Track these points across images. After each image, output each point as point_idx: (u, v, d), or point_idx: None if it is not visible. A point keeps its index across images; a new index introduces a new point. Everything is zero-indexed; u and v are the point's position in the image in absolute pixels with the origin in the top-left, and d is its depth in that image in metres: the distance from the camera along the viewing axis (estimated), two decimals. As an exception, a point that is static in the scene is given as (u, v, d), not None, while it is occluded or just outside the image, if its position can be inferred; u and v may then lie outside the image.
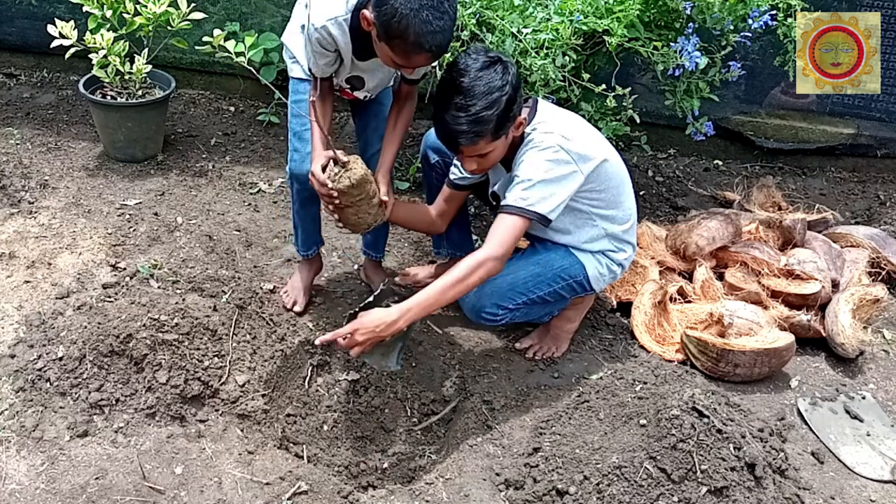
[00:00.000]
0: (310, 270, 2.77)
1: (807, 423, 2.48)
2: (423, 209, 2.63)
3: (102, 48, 3.28)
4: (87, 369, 2.28)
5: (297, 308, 2.68)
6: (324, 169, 2.21)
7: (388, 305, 2.17)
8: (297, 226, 2.70)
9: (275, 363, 2.47)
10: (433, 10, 1.96)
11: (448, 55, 2.83)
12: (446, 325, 2.74)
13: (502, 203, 2.26)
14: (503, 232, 2.22)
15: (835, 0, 3.57)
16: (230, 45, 2.28)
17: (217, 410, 2.31)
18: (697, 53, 2.80)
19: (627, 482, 2.00)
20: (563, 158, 2.22)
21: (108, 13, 3.32)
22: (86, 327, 2.36)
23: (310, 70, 2.35)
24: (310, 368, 2.51)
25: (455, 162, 2.50)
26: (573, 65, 2.79)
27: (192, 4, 3.38)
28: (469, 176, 2.47)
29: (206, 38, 2.38)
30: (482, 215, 3.34)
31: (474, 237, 3.13)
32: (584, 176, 2.27)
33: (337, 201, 2.21)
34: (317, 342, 2.17)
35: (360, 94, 2.51)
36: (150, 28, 3.38)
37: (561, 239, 2.47)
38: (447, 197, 2.58)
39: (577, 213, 2.39)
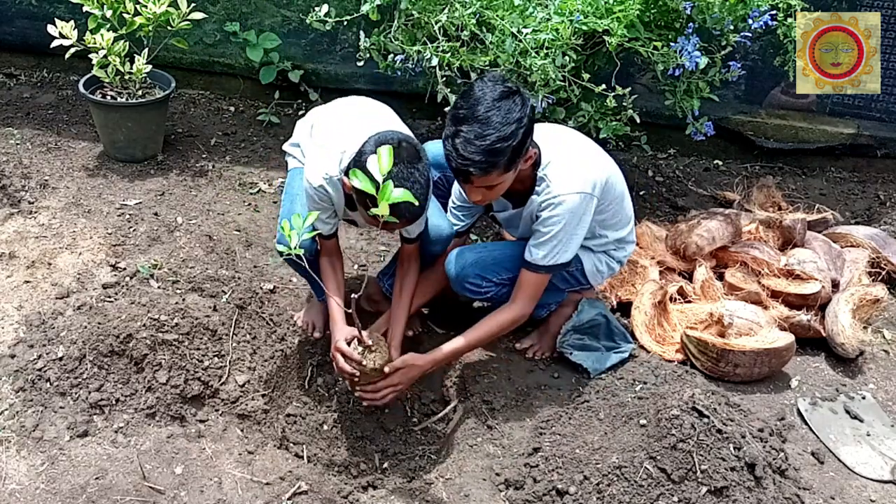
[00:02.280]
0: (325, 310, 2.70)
1: (807, 423, 2.48)
2: (435, 279, 2.51)
3: (102, 48, 3.28)
4: (87, 369, 2.28)
5: (317, 334, 2.63)
6: (348, 343, 2.21)
7: None
8: (306, 279, 2.66)
9: (275, 363, 2.47)
10: (405, 181, 1.99)
11: (456, 62, 2.84)
12: (446, 325, 2.74)
13: (526, 258, 2.28)
14: (531, 289, 2.31)
15: (835, 0, 3.57)
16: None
17: (217, 410, 2.31)
18: (697, 53, 2.81)
19: (627, 482, 2.00)
20: (583, 202, 2.23)
21: (108, 13, 3.32)
22: (86, 327, 2.36)
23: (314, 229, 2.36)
24: (310, 368, 2.51)
25: (451, 210, 2.49)
26: (573, 65, 2.79)
27: (192, 4, 3.38)
28: (469, 221, 2.50)
29: (280, 245, 2.07)
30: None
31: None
32: (598, 199, 2.27)
33: (356, 379, 2.23)
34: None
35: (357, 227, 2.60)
36: (150, 28, 3.38)
37: None
38: (453, 248, 2.51)
39: None
